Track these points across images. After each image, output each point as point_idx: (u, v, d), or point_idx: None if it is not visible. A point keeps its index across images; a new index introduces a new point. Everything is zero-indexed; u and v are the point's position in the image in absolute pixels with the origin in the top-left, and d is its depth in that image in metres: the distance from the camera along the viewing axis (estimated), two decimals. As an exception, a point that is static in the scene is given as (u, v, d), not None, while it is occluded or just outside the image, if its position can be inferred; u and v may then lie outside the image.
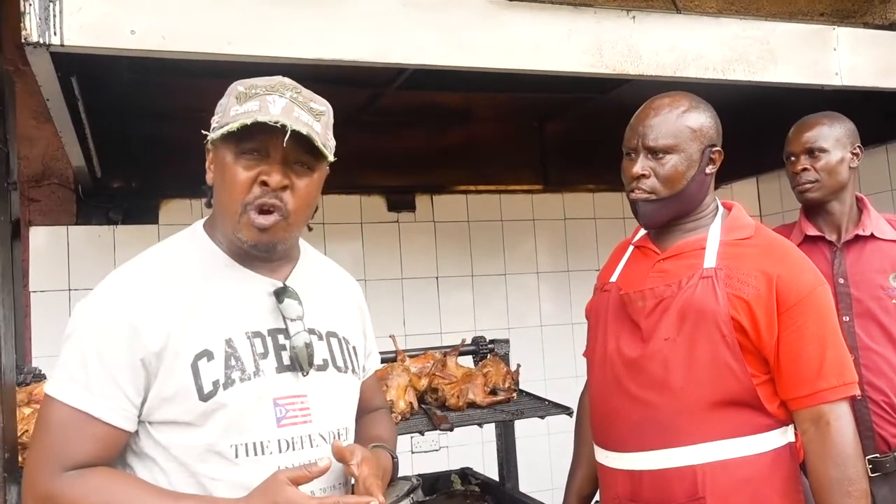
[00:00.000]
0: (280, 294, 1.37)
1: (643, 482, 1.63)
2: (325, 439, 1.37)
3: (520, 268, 4.06)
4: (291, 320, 1.37)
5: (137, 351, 1.26)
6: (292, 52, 2.20)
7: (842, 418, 1.55)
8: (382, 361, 2.57)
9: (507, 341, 2.74)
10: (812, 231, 2.25)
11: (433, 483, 2.79)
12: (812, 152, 2.24)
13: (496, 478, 2.77)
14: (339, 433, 1.41)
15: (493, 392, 2.50)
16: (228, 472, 1.28)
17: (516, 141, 4.04)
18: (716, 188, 4.41)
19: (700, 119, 1.70)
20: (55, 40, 1.97)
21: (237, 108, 1.32)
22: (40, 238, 3.32)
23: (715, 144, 1.72)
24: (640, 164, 1.67)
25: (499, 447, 2.73)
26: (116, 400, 1.26)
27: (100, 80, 2.63)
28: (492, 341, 2.74)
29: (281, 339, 1.36)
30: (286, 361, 1.35)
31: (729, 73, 2.58)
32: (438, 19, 2.31)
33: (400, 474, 2.71)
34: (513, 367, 2.67)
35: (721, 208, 1.76)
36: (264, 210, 1.31)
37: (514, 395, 2.52)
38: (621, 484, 1.67)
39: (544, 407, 2.43)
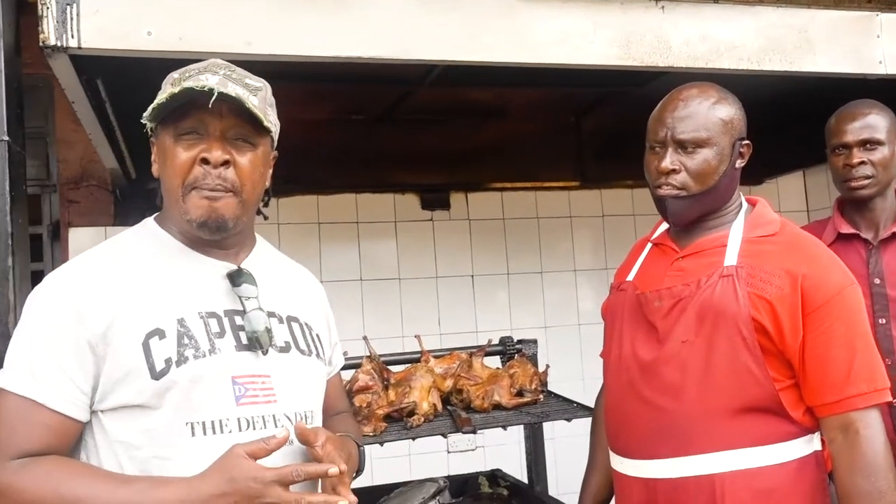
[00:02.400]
0: (235, 276, 1.35)
1: (658, 491, 1.56)
2: (290, 420, 1.33)
3: (557, 265, 3.99)
4: (247, 299, 1.34)
5: (82, 334, 1.23)
6: (310, 50, 2.18)
7: (872, 426, 1.46)
8: (408, 362, 2.56)
9: (535, 341, 2.68)
10: (846, 229, 2.14)
11: (462, 485, 2.75)
12: (867, 144, 2.11)
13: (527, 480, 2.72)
14: (304, 415, 1.38)
15: (520, 393, 2.45)
16: (183, 450, 1.24)
17: (552, 137, 3.97)
18: (760, 183, 4.29)
19: (730, 111, 1.62)
20: (72, 43, 1.99)
21: (173, 88, 1.31)
22: (80, 239, 3.37)
23: (744, 137, 1.64)
24: (670, 159, 1.60)
25: (527, 449, 2.67)
26: (62, 386, 1.23)
27: (128, 81, 2.65)
28: (519, 341, 2.68)
29: (238, 320, 1.34)
30: (245, 341, 1.32)
31: (764, 64, 2.48)
32: (459, 15, 2.27)
33: (436, 475, 2.68)
34: (542, 368, 2.61)
35: (745, 204, 1.68)
36: (210, 190, 1.29)
37: (541, 396, 2.46)
38: (636, 493, 1.61)
39: (571, 409, 2.37)
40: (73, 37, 1.99)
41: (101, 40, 2.02)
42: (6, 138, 1.86)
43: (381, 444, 2.18)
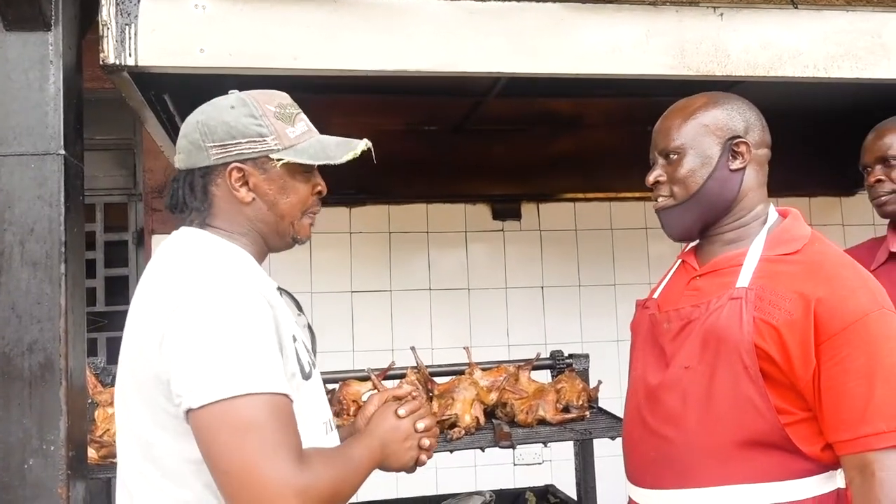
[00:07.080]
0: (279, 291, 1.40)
1: (662, 523, 1.50)
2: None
3: (631, 278, 3.90)
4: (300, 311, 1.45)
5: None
6: (355, 64, 2.22)
7: (890, 469, 1.31)
8: (455, 373, 2.56)
9: (586, 356, 2.63)
10: (896, 247, 2.00)
11: (513, 499, 2.74)
12: (886, 161, 2.00)
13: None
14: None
15: (566, 409, 2.41)
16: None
17: (629, 146, 3.82)
18: (852, 193, 4.02)
19: (716, 113, 1.53)
20: (130, 61, 2.09)
21: (292, 129, 1.38)
22: (163, 244, 3.55)
23: (738, 136, 1.53)
24: (657, 171, 1.57)
25: (576, 466, 2.62)
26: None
27: (201, 97, 2.78)
28: (570, 356, 2.64)
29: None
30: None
31: (833, 71, 2.35)
32: (506, 26, 2.26)
33: (499, 487, 2.67)
34: (593, 384, 2.56)
35: (773, 217, 1.57)
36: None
37: (588, 413, 2.41)
38: (644, 522, 1.55)
39: (617, 427, 2.31)
40: (130, 55, 2.10)
41: (157, 58, 2.12)
42: (62, 152, 1.98)
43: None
